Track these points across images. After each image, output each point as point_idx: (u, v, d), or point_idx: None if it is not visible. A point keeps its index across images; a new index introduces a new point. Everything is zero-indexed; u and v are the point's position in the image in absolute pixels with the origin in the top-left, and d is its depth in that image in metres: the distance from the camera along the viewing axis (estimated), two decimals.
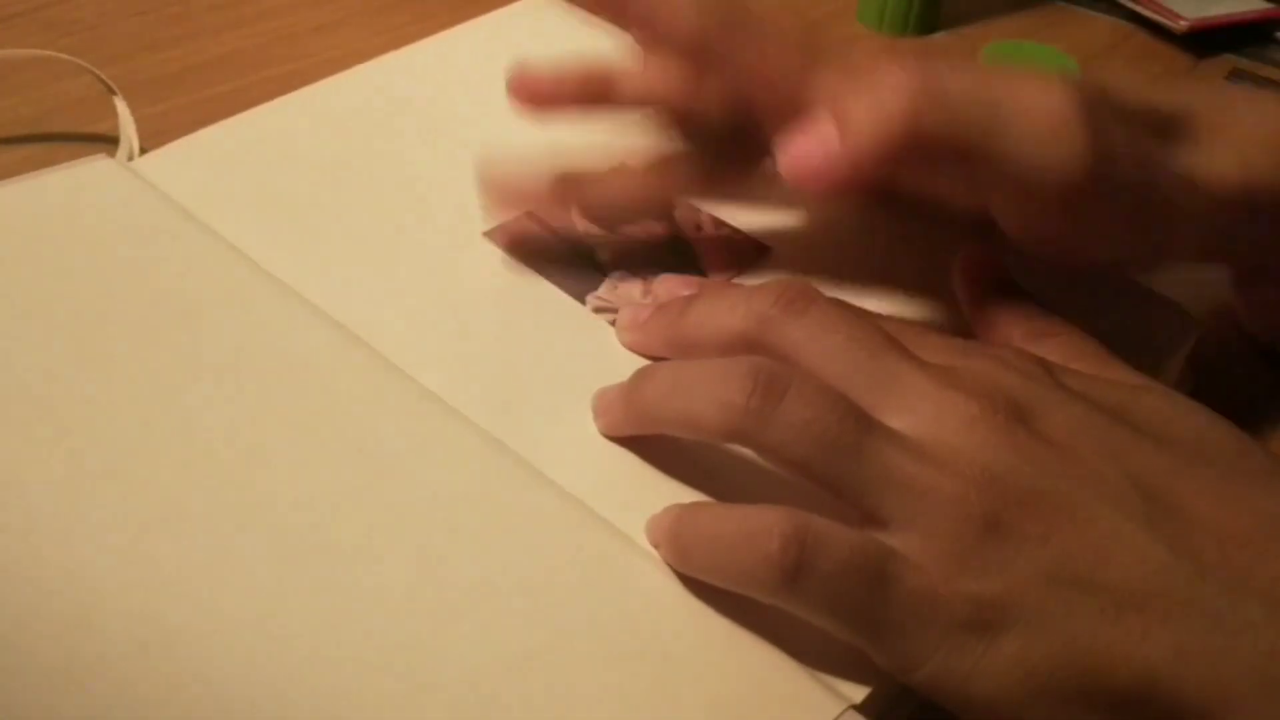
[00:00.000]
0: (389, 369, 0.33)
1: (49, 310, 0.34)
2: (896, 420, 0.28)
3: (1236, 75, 0.53)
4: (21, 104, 0.46)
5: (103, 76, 0.45)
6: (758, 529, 0.26)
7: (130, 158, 0.41)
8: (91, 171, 0.39)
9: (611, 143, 0.38)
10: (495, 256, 0.38)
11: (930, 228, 0.39)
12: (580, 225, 0.39)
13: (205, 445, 0.31)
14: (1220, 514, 0.27)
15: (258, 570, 0.28)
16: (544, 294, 0.37)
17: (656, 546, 0.29)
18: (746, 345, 0.30)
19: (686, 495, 0.31)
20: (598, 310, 0.36)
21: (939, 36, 0.56)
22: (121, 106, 0.44)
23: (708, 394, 0.28)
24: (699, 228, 0.40)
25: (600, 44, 0.43)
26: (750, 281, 0.34)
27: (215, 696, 0.25)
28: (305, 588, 0.28)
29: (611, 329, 0.36)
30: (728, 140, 0.36)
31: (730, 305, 0.31)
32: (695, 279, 0.37)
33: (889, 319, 0.32)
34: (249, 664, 0.26)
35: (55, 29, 0.50)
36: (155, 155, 0.40)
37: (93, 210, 0.37)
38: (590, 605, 0.28)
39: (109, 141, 0.44)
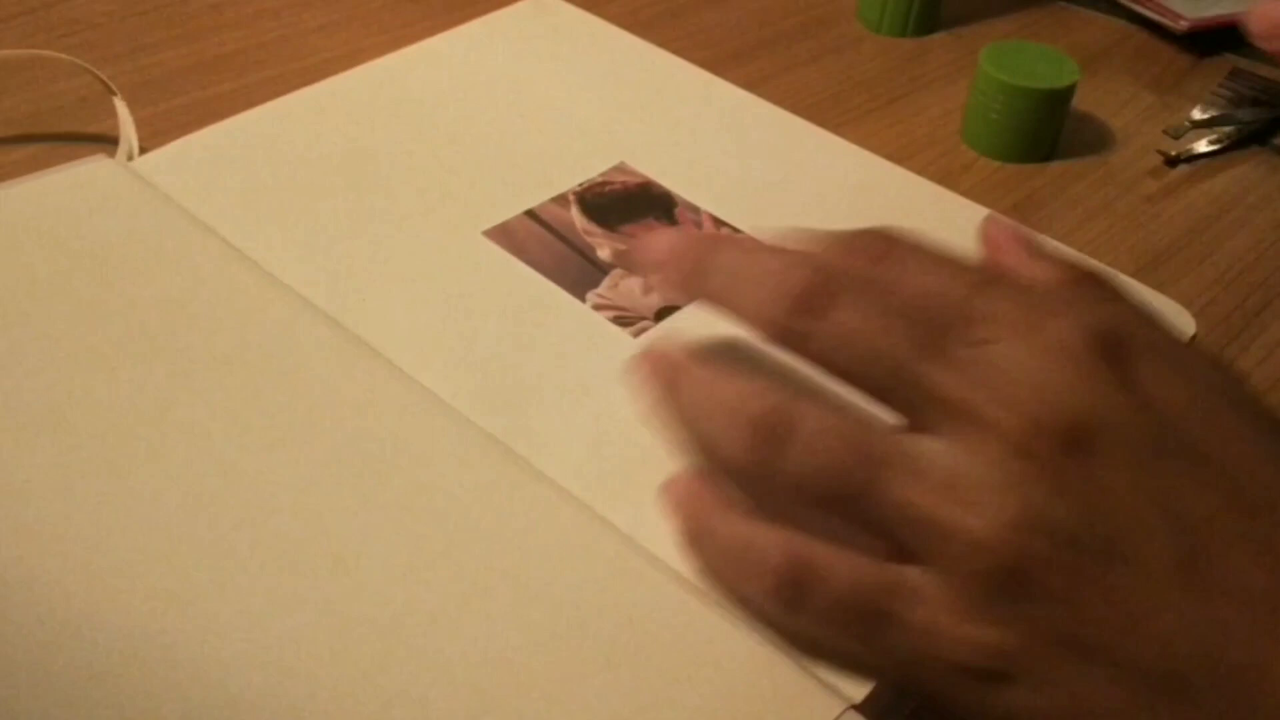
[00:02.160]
0: (389, 368, 0.33)
1: (49, 309, 0.34)
2: (925, 443, 0.24)
3: (1236, 75, 0.53)
4: (21, 104, 0.46)
5: (102, 76, 0.45)
6: (755, 557, 0.25)
7: (130, 158, 0.41)
8: (91, 171, 0.39)
9: None
10: (495, 255, 0.38)
11: None
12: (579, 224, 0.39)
13: (205, 443, 0.31)
14: (1255, 570, 0.23)
15: (257, 566, 0.28)
16: (544, 292, 0.37)
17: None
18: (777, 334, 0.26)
19: None
20: (598, 308, 0.36)
21: (938, 36, 0.56)
22: (121, 106, 0.44)
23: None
24: (699, 226, 0.40)
25: (600, 44, 0.43)
26: None
27: (214, 694, 0.25)
28: (304, 584, 0.28)
29: (612, 327, 0.36)
30: None
31: (758, 277, 0.26)
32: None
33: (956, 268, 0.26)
34: (249, 661, 0.26)
35: (55, 29, 0.50)
36: (154, 155, 0.40)
37: (92, 210, 0.37)
38: (589, 603, 0.28)
39: (109, 141, 0.44)
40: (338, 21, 0.53)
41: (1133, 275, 0.39)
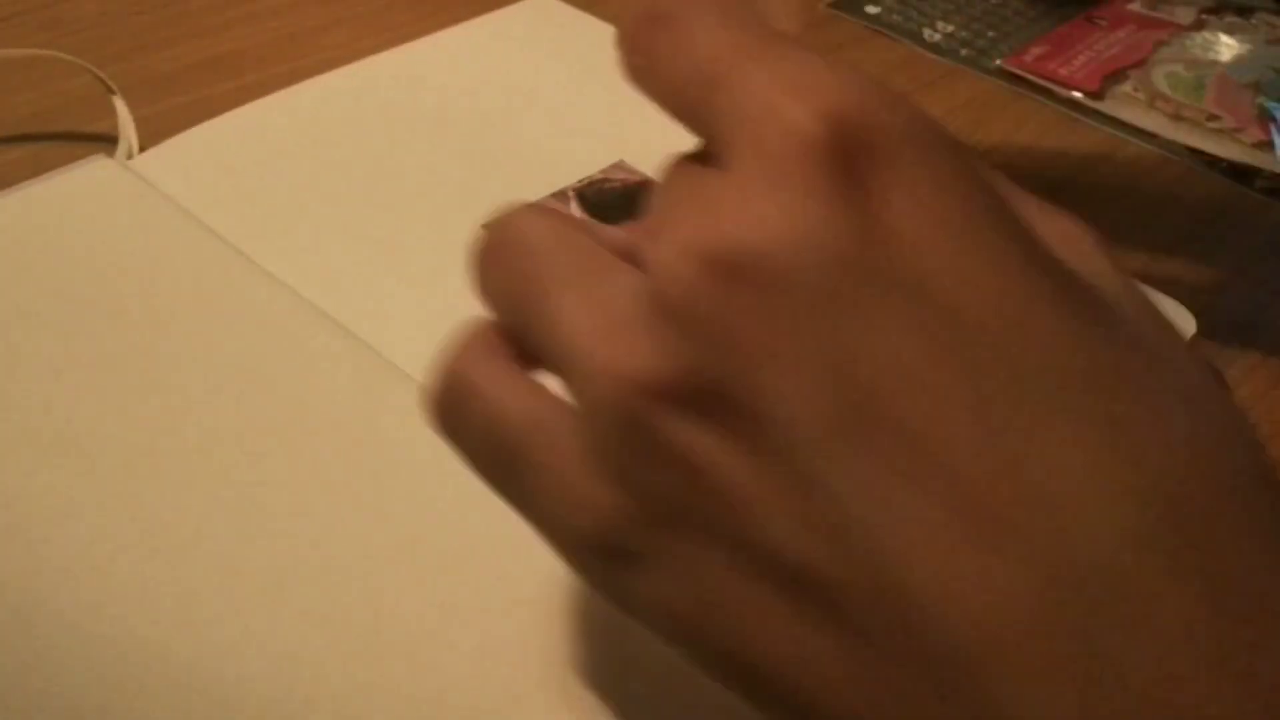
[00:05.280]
0: (388, 367, 0.33)
1: (49, 310, 0.34)
2: (620, 276, 0.20)
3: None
4: (21, 104, 0.46)
5: (102, 76, 0.45)
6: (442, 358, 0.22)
7: (129, 157, 0.41)
8: (91, 171, 0.39)
9: None
10: None
11: None
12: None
13: (204, 443, 0.31)
14: (950, 448, 0.17)
15: (256, 569, 0.28)
16: None
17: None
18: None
19: None
20: None
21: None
22: (121, 106, 0.44)
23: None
24: None
25: (599, 44, 0.43)
26: None
27: (214, 695, 0.25)
28: (305, 589, 0.28)
29: None
30: None
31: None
32: None
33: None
34: (248, 668, 0.26)
35: (55, 29, 0.50)
36: (153, 152, 0.40)
37: (92, 210, 0.37)
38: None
39: (108, 141, 0.44)
40: (338, 21, 0.53)
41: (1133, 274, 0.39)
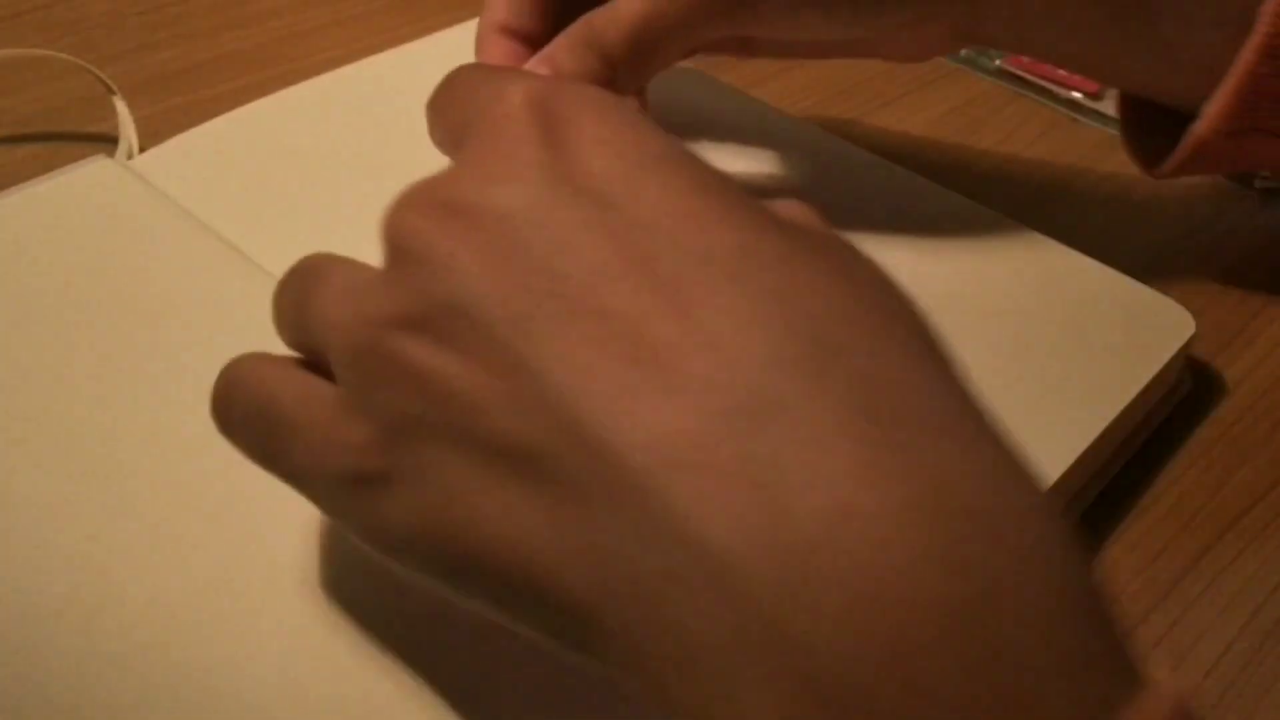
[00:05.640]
0: None
1: (49, 310, 0.34)
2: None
3: None
4: (21, 104, 0.46)
5: (102, 76, 0.45)
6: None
7: (129, 157, 0.41)
8: (91, 171, 0.39)
9: None
10: None
11: None
12: None
13: (204, 443, 0.31)
14: (668, 326, 0.19)
15: (256, 569, 0.28)
16: None
17: None
18: None
19: None
20: None
21: None
22: (121, 106, 0.44)
23: None
24: None
25: None
26: None
27: (216, 695, 0.25)
28: (306, 589, 0.28)
29: None
30: None
31: None
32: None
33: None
34: (249, 667, 0.26)
35: (55, 29, 0.50)
36: (153, 153, 0.40)
37: (92, 210, 0.37)
38: None
39: (108, 141, 0.44)
40: (338, 21, 0.53)
41: (1133, 274, 0.40)
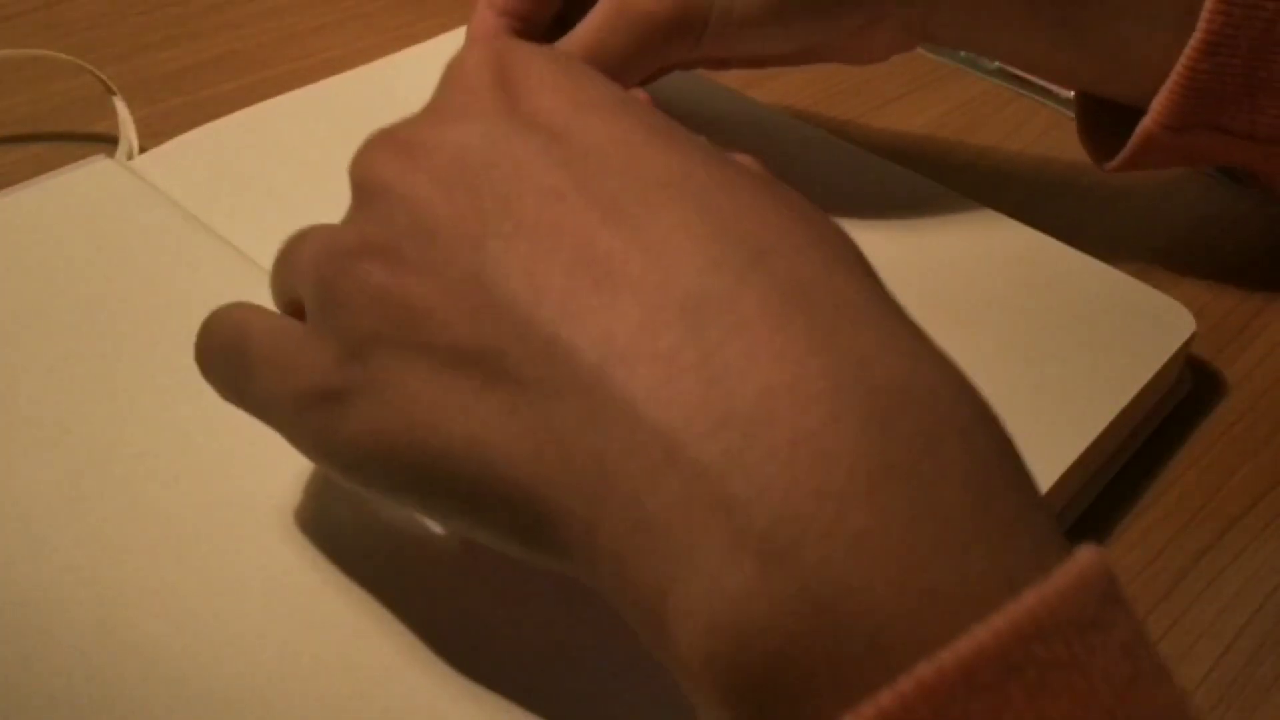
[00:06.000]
0: None
1: (49, 310, 0.34)
2: None
3: None
4: (21, 104, 0.46)
5: (102, 76, 0.45)
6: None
7: (129, 157, 0.41)
8: (91, 172, 0.39)
9: None
10: None
11: None
12: None
13: (205, 442, 0.31)
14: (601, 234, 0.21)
15: (256, 568, 0.28)
16: None
17: None
18: None
19: None
20: None
21: None
22: (121, 106, 0.44)
23: None
24: None
25: None
26: None
27: (216, 695, 0.25)
28: (307, 588, 0.28)
29: None
30: None
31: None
32: None
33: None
34: (249, 666, 0.26)
35: (55, 29, 0.50)
36: (153, 153, 0.40)
37: (92, 211, 0.37)
38: None
39: (108, 141, 0.44)
40: (338, 21, 0.53)
41: (1133, 274, 0.40)
